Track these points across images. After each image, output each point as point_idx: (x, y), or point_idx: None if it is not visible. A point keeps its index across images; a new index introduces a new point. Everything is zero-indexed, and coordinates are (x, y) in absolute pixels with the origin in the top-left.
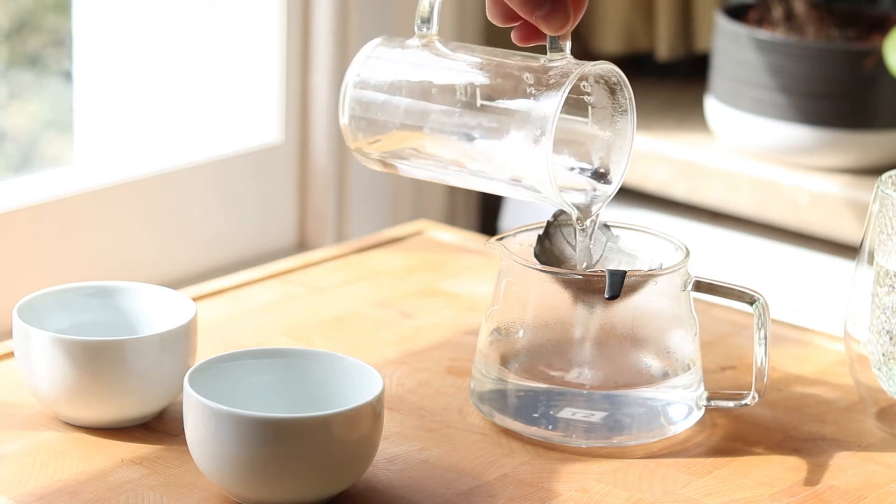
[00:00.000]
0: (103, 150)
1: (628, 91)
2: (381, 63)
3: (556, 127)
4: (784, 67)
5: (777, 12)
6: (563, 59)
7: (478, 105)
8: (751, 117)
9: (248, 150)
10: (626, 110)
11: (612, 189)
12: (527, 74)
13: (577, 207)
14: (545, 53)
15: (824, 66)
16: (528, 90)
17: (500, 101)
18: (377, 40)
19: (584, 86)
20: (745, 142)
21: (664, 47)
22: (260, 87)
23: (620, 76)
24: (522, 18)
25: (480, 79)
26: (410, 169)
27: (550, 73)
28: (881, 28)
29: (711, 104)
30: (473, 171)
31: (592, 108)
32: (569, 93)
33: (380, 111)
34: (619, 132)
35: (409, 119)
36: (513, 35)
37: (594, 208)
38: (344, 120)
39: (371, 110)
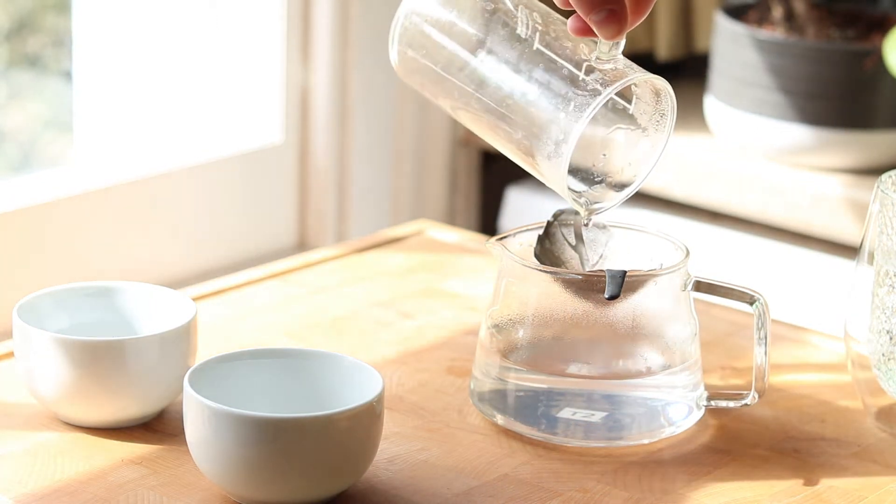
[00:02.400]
0: (103, 150)
1: (671, 99)
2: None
3: (579, 136)
4: (784, 67)
5: (777, 12)
6: (610, 63)
7: (532, 59)
8: (751, 117)
9: (248, 150)
10: (665, 114)
11: (630, 189)
12: (577, 65)
13: (589, 201)
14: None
15: (824, 66)
16: (573, 84)
17: (550, 75)
18: None
19: (634, 86)
20: (745, 142)
21: (664, 47)
22: (260, 87)
23: (665, 86)
24: None
25: (536, 44)
26: (451, 107)
27: (591, 76)
28: (881, 28)
29: (711, 104)
30: (504, 125)
31: (637, 99)
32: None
33: (431, 47)
34: (654, 131)
35: (457, 61)
36: (569, 24)
37: (605, 205)
38: (393, 53)
39: (423, 44)
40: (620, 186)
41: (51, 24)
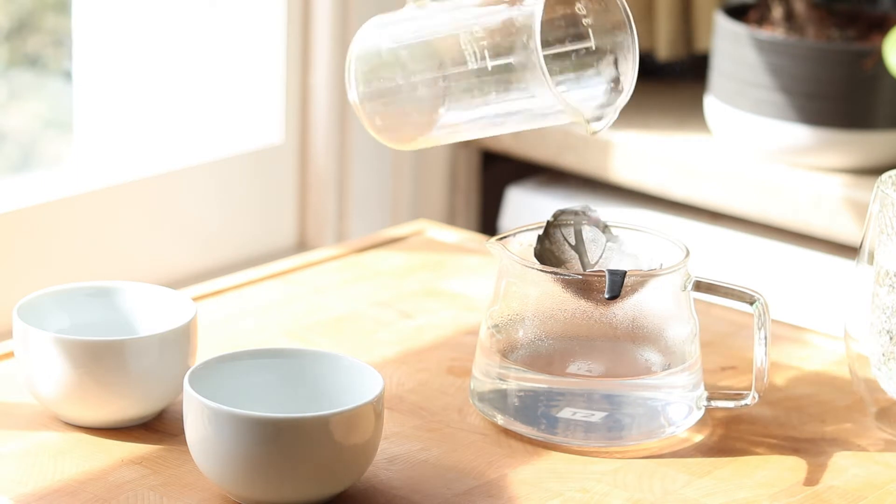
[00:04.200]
0: (103, 150)
1: (621, 1)
2: (381, 32)
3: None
4: (784, 67)
5: (777, 12)
6: None
7: (487, 66)
8: (751, 117)
9: (248, 150)
10: (622, 22)
11: (623, 98)
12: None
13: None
14: None
15: (824, 66)
16: (516, 35)
17: (502, 55)
18: (374, 18)
19: (578, 8)
20: (745, 142)
21: (664, 47)
22: (260, 87)
23: None
24: None
25: (478, 33)
26: (436, 133)
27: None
28: (881, 28)
29: (711, 104)
30: (490, 117)
31: (592, 29)
32: (569, 39)
33: (386, 77)
34: (621, 45)
35: (418, 78)
36: None
37: (607, 117)
38: (353, 94)
39: (378, 79)
40: (616, 94)
41: (51, 24)
